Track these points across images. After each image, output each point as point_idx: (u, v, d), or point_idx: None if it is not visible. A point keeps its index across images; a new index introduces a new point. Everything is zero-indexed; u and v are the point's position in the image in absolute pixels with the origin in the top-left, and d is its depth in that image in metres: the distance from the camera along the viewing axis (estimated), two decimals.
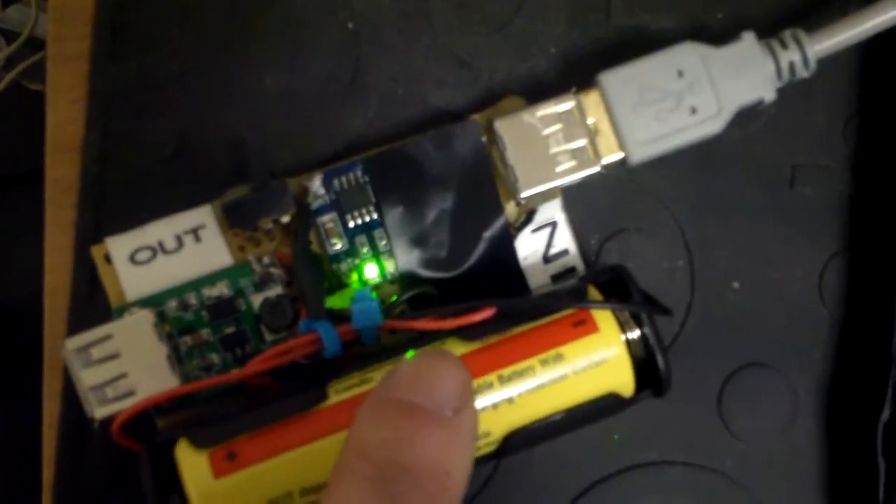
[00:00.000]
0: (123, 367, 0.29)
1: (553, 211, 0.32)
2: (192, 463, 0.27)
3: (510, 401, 0.28)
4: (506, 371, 0.28)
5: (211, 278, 0.30)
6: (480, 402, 0.27)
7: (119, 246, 0.30)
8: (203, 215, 0.31)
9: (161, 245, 0.30)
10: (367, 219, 0.31)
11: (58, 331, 0.32)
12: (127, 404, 0.29)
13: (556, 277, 0.33)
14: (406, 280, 0.31)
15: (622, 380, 0.29)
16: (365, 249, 0.31)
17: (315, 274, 0.31)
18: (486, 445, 0.28)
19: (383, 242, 0.31)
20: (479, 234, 0.32)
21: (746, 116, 0.32)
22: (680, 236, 0.33)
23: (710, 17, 0.34)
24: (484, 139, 0.32)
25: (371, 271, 0.31)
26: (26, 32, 0.77)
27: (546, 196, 0.32)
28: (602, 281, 0.30)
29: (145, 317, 0.29)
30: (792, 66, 0.31)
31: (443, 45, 0.34)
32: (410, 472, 0.21)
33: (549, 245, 0.32)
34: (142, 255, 0.30)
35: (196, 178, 0.33)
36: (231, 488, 0.27)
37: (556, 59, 0.34)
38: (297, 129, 0.33)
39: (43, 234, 0.33)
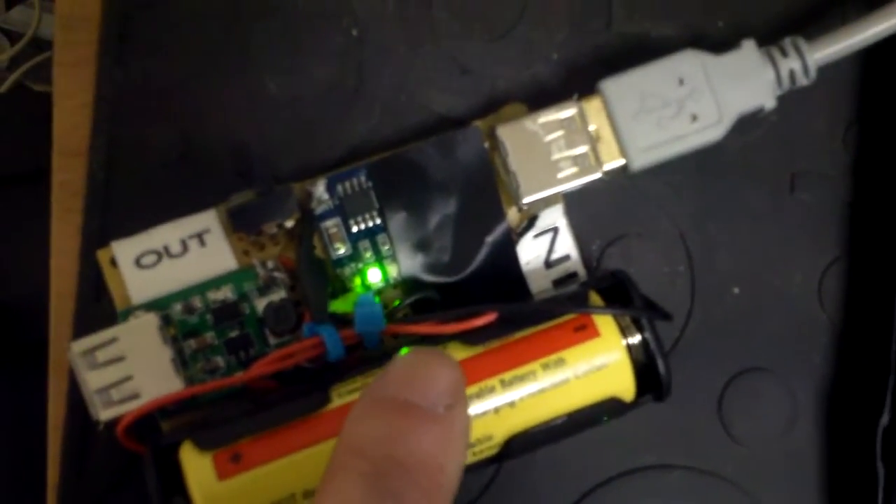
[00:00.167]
0: (128, 370, 0.29)
1: (555, 216, 0.33)
2: (196, 465, 0.27)
3: (512, 405, 0.28)
4: (507, 375, 0.28)
5: (215, 282, 0.31)
6: (482, 406, 0.28)
7: (125, 250, 0.31)
8: (208, 220, 0.31)
9: (166, 249, 0.31)
10: (371, 224, 0.31)
11: (63, 333, 0.32)
12: (132, 407, 0.29)
13: (558, 283, 0.33)
14: (409, 285, 0.32)
15: (623, 384, 0.29)
16: (368, 254, 0.31)
17: (318, 278, 0.31)
18: (488, 449, 0.28)
19: (386, 247, 0.31)
20: (482, 239, 0.32)
21: (747, 124, 0.33)
22: (681, 242, 0.34)
23: (710, 25, 0.34)
24: (486, 145, 0.32)
25: (374, 276, 0.31)
26: (30, 33, 0.78)
27: (548, 202, 0.32)
28: (603, 286, 0.31)
29: (150, 320, 0.30)
30: (792, 73, 0.32)
31: (445, 52, 0.34)
32: (405, 468, 0.21)
33: (550, 250, 0.33)
34: (147, 259, 0.31)
35: (201, 182, 0.33)
36: (235, 490, 0.27)
37: (558, 66, 0.34)
38: (301, 134, 0.33)
39: (48, 233, 0.33)
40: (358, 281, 0.31)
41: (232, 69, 0.34)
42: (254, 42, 0.34)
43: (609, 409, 0.29)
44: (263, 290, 0.31)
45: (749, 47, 0.32)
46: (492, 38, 0.34)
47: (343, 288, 0.31)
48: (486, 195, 0.32)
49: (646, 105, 0.31)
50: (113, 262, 0.31)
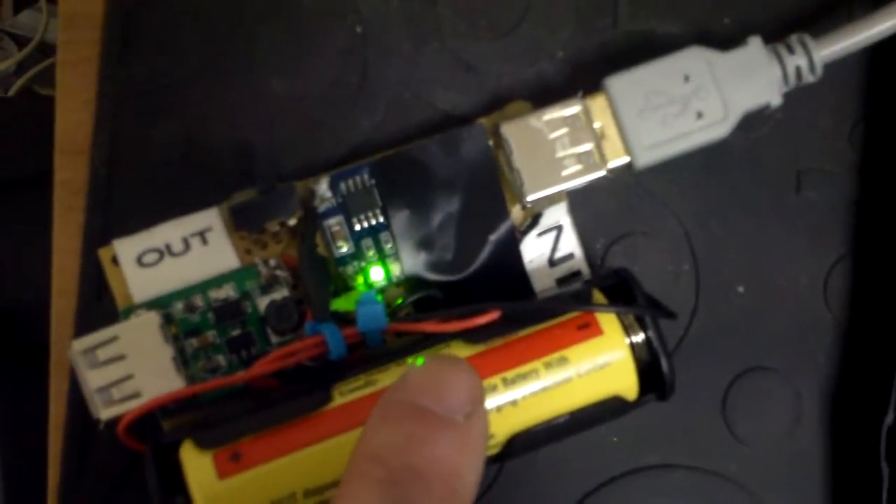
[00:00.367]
0: (129, 369, 0.29)
1: (559, 215, 0.33)
2: (196, 464, 0.27)
3: (514, 403, 0.28)
4: (510, 374, 0.28)
5: (217, 280, 0.31)
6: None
7: (126, 248, 0.31)
8: (210, 218, 0.31)
9: (168, 247, 0.31)
10: (374, 222, 0.31)
11: (65, 332, 0.32)
12: (133, 405, 0.29)
13: (561, 281, 0.33)
14: (411, 283, 0.32)
15: (626, 383, 0.29)
16: (371, 252, 0.31)
17: (321, 277, 0.31)
18: (490, 448, 0.28)
19: (389, 245, 0.31)
20: (485, 237, 0.32)
21: (752, 121, 0.32)
22: (685, 240, 0.33)
23: (716, 22, 0.34)
24: (490, 143, 0.32)
25: (377, 274, 0.31)
26: (38, 38, 0.78)
27: (552, 200, 0.32)
28: (607, 284, 0.30)
29: (152, 319, 0.30)
30: (798, 70, 0.31)
31: (450, 49, 0.34)
32: (422, 476, 0.21)
33: (554, 249, 0.33)
34: (149, 258, 0.31)
35: (203, 180, 0.33)
36: (235, 489, 0.27)
37: (563, 63, 0.34)
38: (304, 132, 0.33)
39: (51, 234, 0.33)
40: (360, 279, 0.31)
41: (235, 67, 0.34)
42: (257, 40, 0.34)
43: (612, 408, 0.29)
44: (265, 288, 0.31)
45: (755, 44, 0.31)
46: (496, 36, 0.34)
47: (345, 286, 0.31)
48: (489, 193, 0.32)
49: (651, 102, 0.31)
50: (114, 261, 0.31)
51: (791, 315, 0.33)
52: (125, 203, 0.33)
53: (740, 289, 0.33)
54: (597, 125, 0.31)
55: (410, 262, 0.31)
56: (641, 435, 0.33)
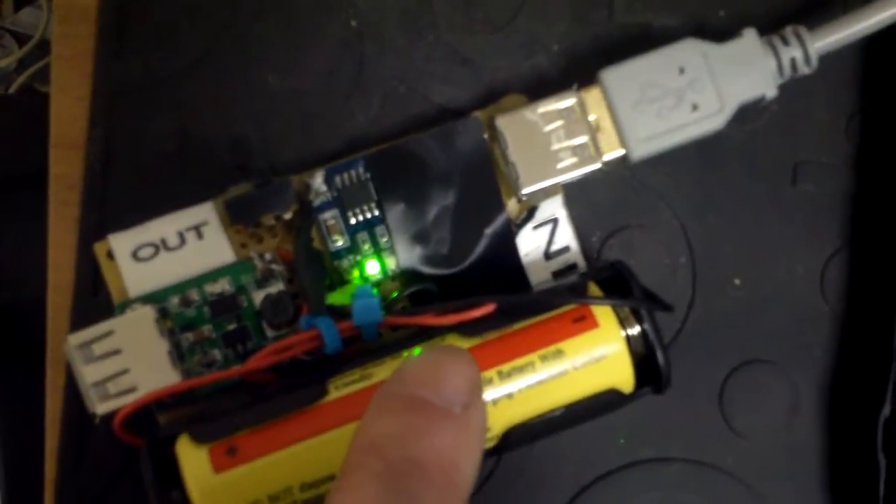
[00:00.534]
0: (125, 363, 0.29)
1: (554, 208, 0.33)
2: (192, 458, 0.27)
3: (510, 396, 0.28)
4: (505, 367, 0.28)
5: (213, 275, 0.31)
6: None
7: (122, 242, 0.31)
8: (205, 212, 0.31)
9: (163, 242, 0.31)
10: (369, 216, 0.31)
11: (61, 327, 0.32)
12: (128, 400, 0.29)
13: (557, 274, 0.33)
14: (407, 276, 0.32)
15: (622, 376, 0.29)
16: (366, 246, 0.31)
17: (316, 271, 0.31)
18: (486, 441, 0.28)
19: (385, 239, 0.31)
20: (481, 230, 0.32)
21: (748, 113, 0.32)
22: (681, 233, 0.33)
23: (711, 14, 0.34)
24: (486, 136, 0.32)
25: (372, 268, 0.31)
26: (38, 35, 0.78)
27: (547, 193, 0.32)
28: (603, 277, 0.30)
29: (147, 313, 0.30)
30: (794, 62, 0.31)
31: (445, 42, 0.34)
32: (420, 468, 0.21)
33: (550, 242, 0.33)
34: (144, 252, 0.31)
35: (199, 175, 0.33)
36: (231, 483, 0.27)
37: (559, 56, 0.34)
38: (299, 126, 0.33)
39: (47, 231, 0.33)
40: (356, 273, 0.31)
41: (230, 61, 0.34)
42: (252, 34, 0.34)
43: (608, 400, 0.29)
44: (261, 282, 0.31)
45: (750, 36, 0.31)
46: (492, 29, 0.34)
47: (341, 280, 0.31)
48: (485, 186, 0.32)
49: (646, 95, 0.31)
50: (110, 255, 0.31)
51: (788, 308, 0.33)
52: (120, 197, 0.33)
53: (737, 281, 0.33)
54: (592, 118, 0.31)
55: (406, 255, 0.31)
56: (638, 428, 0.32)
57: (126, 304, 0.30)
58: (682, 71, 0.31)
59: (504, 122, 0.31)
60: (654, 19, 0.34)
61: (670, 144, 0.31)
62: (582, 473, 0.32)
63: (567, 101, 0.31)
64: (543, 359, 0.28)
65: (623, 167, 0.32)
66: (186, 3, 0.34)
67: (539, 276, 0.32)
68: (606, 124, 0.31)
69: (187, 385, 0.29)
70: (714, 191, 0.34)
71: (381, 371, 0.28)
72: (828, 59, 0.32)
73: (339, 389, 0.28)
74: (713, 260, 0.33)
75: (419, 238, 0.31)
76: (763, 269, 0.33)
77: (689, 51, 0.31)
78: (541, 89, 0.32)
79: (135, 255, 0.31)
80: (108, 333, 0.29)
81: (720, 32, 0.32)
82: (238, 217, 0.31)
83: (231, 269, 0.31)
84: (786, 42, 0.31)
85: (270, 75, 0.33)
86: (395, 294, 0.31)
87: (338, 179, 0.31)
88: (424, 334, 0.30)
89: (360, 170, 0.31)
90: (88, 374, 0.29)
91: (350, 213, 0.31)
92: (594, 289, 0.30)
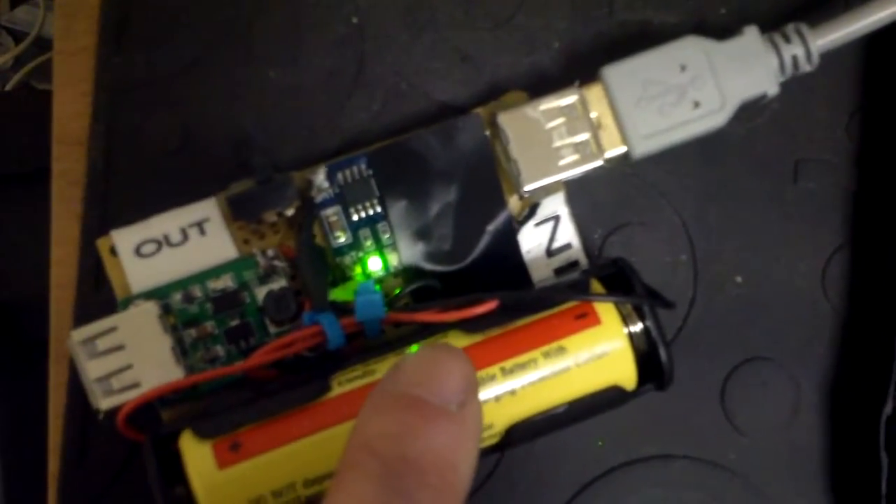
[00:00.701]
0: (128, 359, 0.29)
1: (556, 205, 0.33)
2: (195, 454, 0.27)
3: (512, 393, 0.28)
4: (508, 363, 0.28)
5: (215, 271, 0.31)
6: (483, 395, 0.28)
7: (124, 239, 0.31)
8: (208, 208, 0.31)
9: (166, 238, 0.31)
10: (371, 212, 0.31)
11: (64, 323, 0.32)
12: (132, 396, 0.29)
13: (559, 271, 0.33)
14: (409, 273, 0.32)
15: (625, 373, 0.29)
16: (368, 243, 0.31)
17: (319, 267, 0.31)
18: (489, 438, 0.28)
19: (387, 236, 0.31)
20: (483, 227, 0.32)
21: (749, 111, 0.33)
22: (683, 230, 0.33)
23: (712, 11, 0.34)
24: (487, 133, 0.32)
25: (374, 264, 0.31)
26: (34, 32, 0.78)
27: (549, 190, 0.32)
28: (605, 274, 0.30)
29: (150, 309, 0.30)
30: (795, 60, 0.31)
31: (446, 39, 0.34)
32: (416, 467, 0.21)
33: (552, 239, 0.33)
34: (147, 248, 0.31)
35: (201, 171, 0.33)
36: (234, 479, 0.27)
37: (560, 53, 0.34)
38: (301, 123, 0.33)
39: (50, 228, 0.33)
40: (358, 269, 0.31)
41: (232, 57, 0.34)
42: (254, 30, 0.34)
43: (610, 397, 0.29)
44: (263, 278, 0.31)
45: (751, 33, 0.31)
46: (493, 26, 0.34)
47: (343, 276, 0.31)
48: (487, 183, 0.32)
49: (647, 92, 0.31)
50: (113, 251, 0.31)
51: (789, 305, 0.33)
52: (123, 194, 0.33)
53: (738, 279, 0.33)
54: (593, 115, 0.31)
55: (408, 252, 0.31)
56: (640, 425, 0.33)
57: (129, 300, 0.30)
58: (683, 68, 0.31)
59: (506, 119, 0.31)
60: (654, 16, 0.34)
61: (672, 142, 0.31)
62: (584, 470, 0.33)
63: (569, 99, 0.31)
64: (546, 355, 0.28)
65: (624, 164, 0.32)
66: None
67: (541, 273, 0.32)
68: (608, 121, 0.31)
69: (190, 381, 0.29)
70: (715, 188, 0.34)
71: (384, 367, 0.28)
72: (829, 56, 0.32)
73: (342, 385, 0.28)
74: (714, 257, 0.33)
75: (421, 235, 0.31)
76: (764, 267, 0.33)
77: (691, 48, 0.31)
78: (541, 86, 0.32)
79: (138, 251, 0.31)
80: (112, 329, 0.29)
81: (721, 30, 0.32)
82: (240, 213, 0.31)
83: (233, 265, 0.31)
84: (787, 39, 0.31)
85: (272, 72, 0.34)
86: (397, 291, 0.31)
87: (340, 176, 0.31)
88: (427, 331, 0.30)
89: (363, 166, 0.31)
90: (92, 370, 0.29)
91: (352, 210, 0.31)
92: (596, 286, 0.30)
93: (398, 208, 0.31)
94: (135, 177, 0.33)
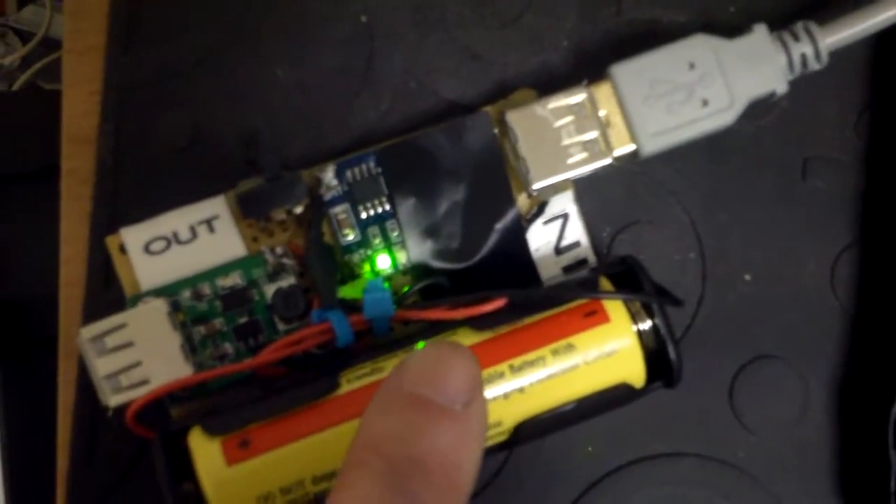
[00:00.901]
0: (137, 356, 0.29)
1: (565, 203, 0.33)
2: (204, 451, 0.27)
3: (521, 390, 0.28)
4: (517, 361, 0.28)
5: (224, 268, 0.31)
6: (491, 392, 0.28)
7: (134, 236, 0.31)
8: (217, 206, 0.31)
9: (175, 235, 0.31)
10: (380, 210, 0.31)
11: (73, 320, 0.32)
12: (141, 392, 0.29)
13: (568, 269, 0.33)
14: (418, 271, 0.32)
15: (633, 370, 0.29)
16: (377, 240, 0.31)
17: (327, 264, 0.31)
18: (498, 435, 0.28)
19: (395, 233, 0.31)
20: (491, 225, 0.32)
21: (758, 109, 0.32)
22: (691, 228, 0.33)
23: (721, 9, 0.34)
24: (496, 131, 0.32)
25: (383, 262, 0.31)
26: (41, 32, 0.78)
27: (557, 188, 0.32)
28: (613, 272, 0.30)
29: (159, 306, 0.30)
30: (804, 58, 0.31)
31: (455, 38, 0.34)
32: (421, 467, 0.21)
33: (560, 237, 0.33)
34: (156, 246, 0.31)
35: (210, 169, 0.33)
36: (243, 476, 0.27)
37: (568, 52, 0.34)
38: (310, 121, 0.33)
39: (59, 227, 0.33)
40: (367, 267, 0.31)
41: (241, 56, 0.34)
42: (263, 29, 0.34)
43: (619, 395, 0.29)
44: (272, 276, 0.31)
45: (761, 32, 0.31)
46: (501, 25, 0.34)
47: (352, 274, 0.31)
48: (495, 181, 0.32)
49: (656, 90, 0.31)
50: (122, 249, 0.31)
51: (798, 303, 0.33)
52: (132, 191, 0.33)
53: (747, 277, 0.33)
54: (602, 113, 0.31)
55: (417, 249, 0.31)
56: (649, 423, 0.32)
57: (138, 298, 0.30)
58: (692, 66, 0.31)
59: (514, 118, 0.31)
60: (662, 15, 0.34)
61: (680, 140, 0.31)
62: (592, 468, 0.32)
63: (577, 97, 0.31)
64: (555, 353, 0.28)
65: (633, 163, 0.32)
66: None
67: (549, 271, 0.32)
68: (617, 120, 0.31)
69: (199, 378, 0.29)
70: (724, 186, 0.34)
71: (393, 365, 0.28)
72: (838, 54, 0.32)
73: (351, 383, 0.28)
74: (723, 255, 0.33)
75: (430, 232, 0.31)
76: (773, 265, 0.33)
77: (699, 46, 0.31)
78: (550, 85, 0.32)
79: (147, 249, 0.31)
80: (121, 326, 0.29)
81: (730, 28, 0.32)
82: (249, 211, 0.31)
83: (242, 262, 0.31)
84: (796, 38, 0.31)
85: (281, 70, 0.34)
86: (406, 288, 0.31)
87: (349, 174, 0.31)
88: (435, 328, 0.30)
89: (371, 164, 0.31)
90: (101, 367, 0.29)
91: (361, 208, 0.31)
92: (605, 283, 0.30)
93: (407, 206, 0.31)
94: (144, 175, 0.33)
